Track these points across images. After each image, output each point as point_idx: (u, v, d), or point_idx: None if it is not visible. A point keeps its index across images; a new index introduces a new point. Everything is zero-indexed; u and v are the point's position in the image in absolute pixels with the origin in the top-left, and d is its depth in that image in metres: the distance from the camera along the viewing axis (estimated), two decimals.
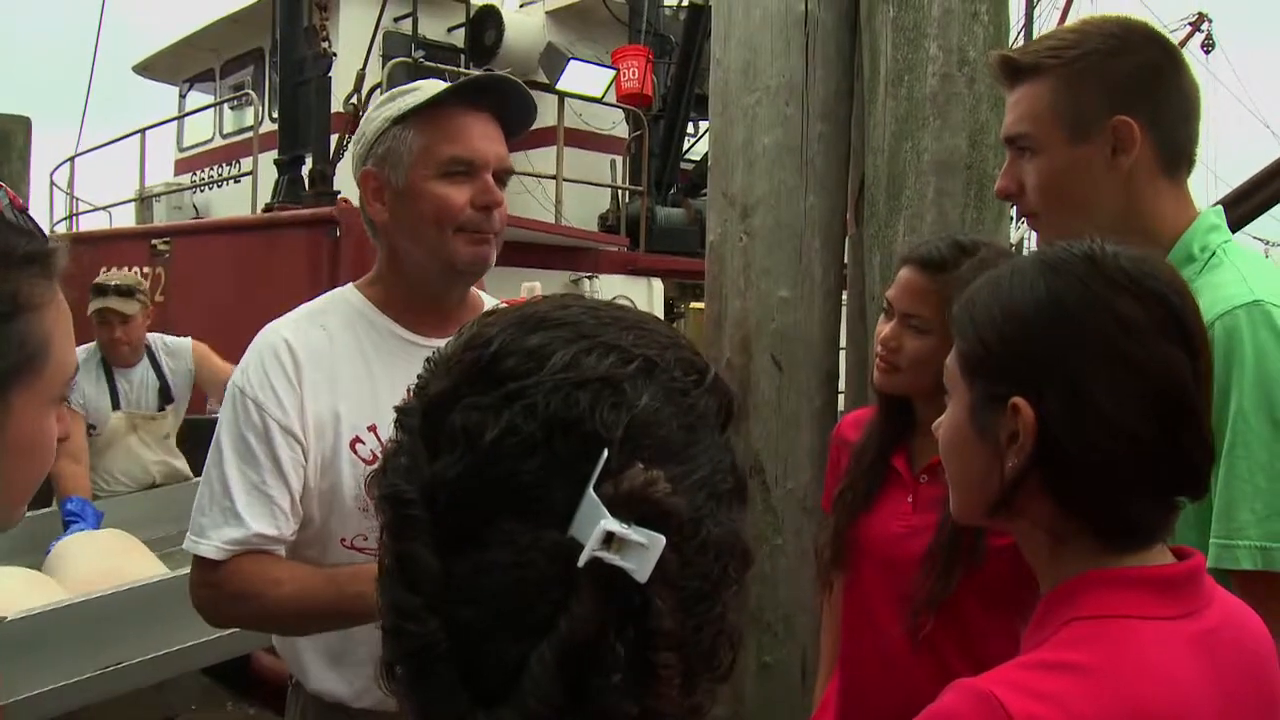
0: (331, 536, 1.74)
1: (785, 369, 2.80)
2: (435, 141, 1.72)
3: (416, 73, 8.24)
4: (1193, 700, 0.90)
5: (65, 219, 11.07)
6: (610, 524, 0.61)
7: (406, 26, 9.35)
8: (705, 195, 9.54)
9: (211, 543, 1.65)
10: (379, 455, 1.68)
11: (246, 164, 9.59)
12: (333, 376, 1.74)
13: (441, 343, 1.89)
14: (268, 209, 7.17)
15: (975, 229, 2.52)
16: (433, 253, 1.75)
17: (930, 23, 2.59)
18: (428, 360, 0.73)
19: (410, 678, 0.67)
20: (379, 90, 7.25)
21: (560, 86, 8.30)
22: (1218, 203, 2.90)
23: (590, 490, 0.62)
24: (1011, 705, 0.85)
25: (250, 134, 9.50)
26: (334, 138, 7.23)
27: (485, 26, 9.78)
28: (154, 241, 7.57)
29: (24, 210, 0.89)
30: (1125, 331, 0.95)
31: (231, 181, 10.18)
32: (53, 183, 11.12)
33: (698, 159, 10.08)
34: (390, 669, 0.68)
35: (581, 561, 0.61)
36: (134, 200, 10.85)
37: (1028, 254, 1.07)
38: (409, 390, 1.83)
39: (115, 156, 11.54)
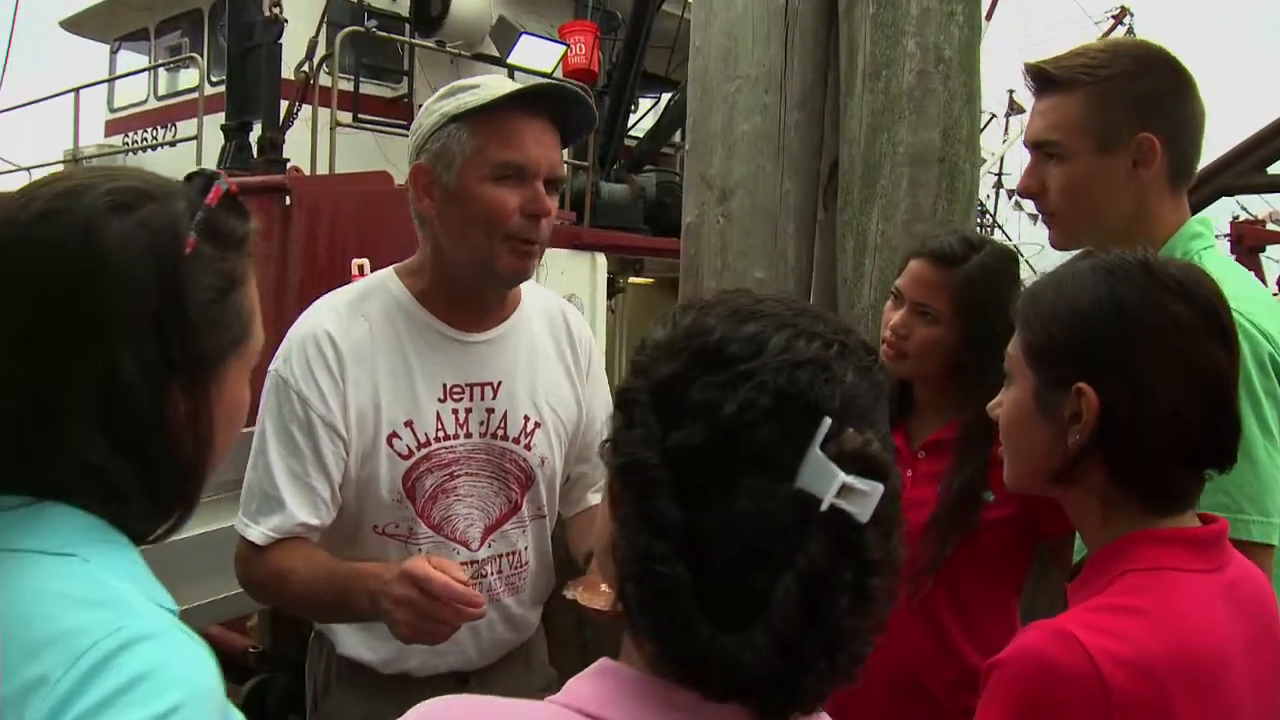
0: (364, 524, 1.82)
1: None
2: (490, 144, 1.73)
3: (371, 42, 8.24)
4: (1226, 637, 1.09)
5: None
6: (846, 478, 0.75)
7: None
8: (648, 171, 9.70)
9: (259, 529, 1.74)
10: (414, 451, 1.78)
11: (184, 127, 9.52)
12: (373, 371, 1.79)
13: (479, 338, 1.99)
14: None
15: (945, 219, 2.65)
16: (477, 256, 1.77)
17: (908, 20, 2.71)
18: (641, 347, 0.86)
19: (654, 613, 0.79)
20: (329, 59, 7.26)
21: (511, 60, 8.34)
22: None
23: (817, 450, 0.76)
24: (1087, 641, 1.01)
25: (188, 97, 9.43)
26: (284, 104, 7.20)
27: None
28: None
29: (237, 194, 0.98)
30: (1177, 329, 1.12)
31: (168, 146, 10.05)
32: None
33: (641, 136, 10.18)
34: (627, 609, 0.82)
35: (824, 508, 0.75)
36: (65, 162, 10.65)
37: (1084, 260, 1.22)
38: (445, 386, 1.93)
39: (37, 116, 11.33)
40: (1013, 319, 1.31)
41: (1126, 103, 1.58)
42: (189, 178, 0.99)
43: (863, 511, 0.76)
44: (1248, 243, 18.29)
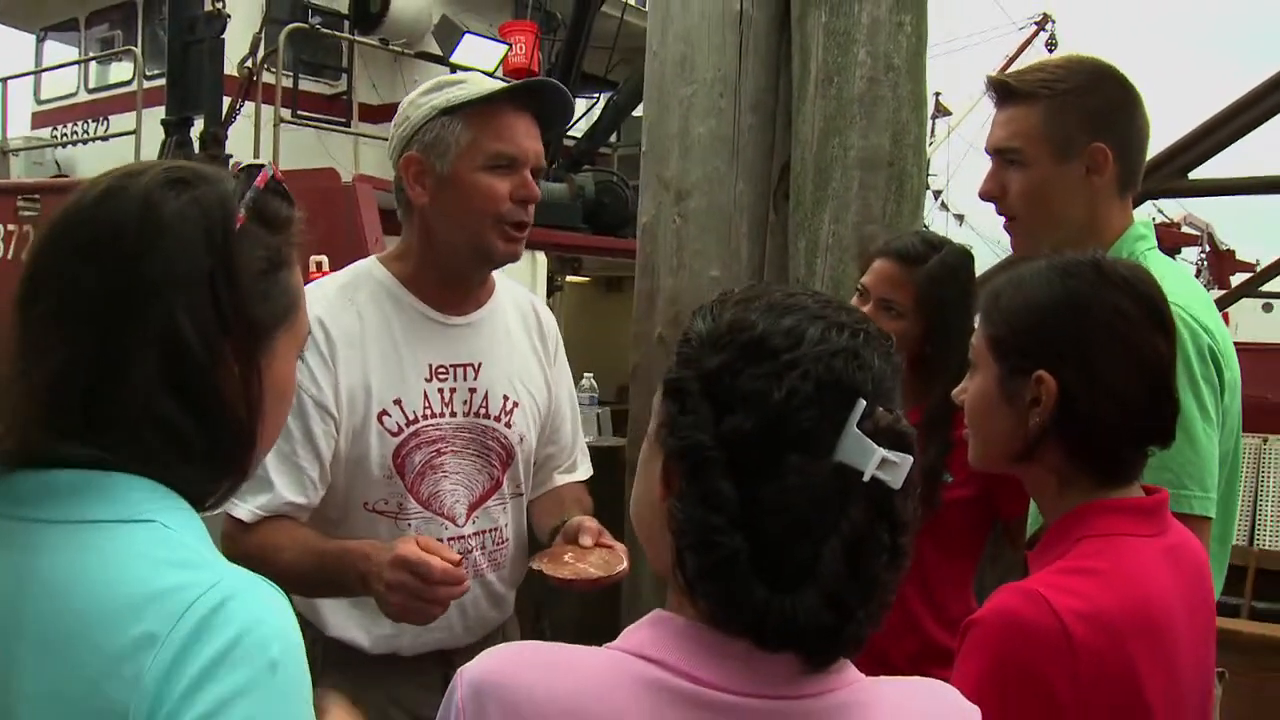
0: (355, 500, 1.89)
1: None
2: (484, 136, 1.86)
3: (313, 39, 8.20)
4: (1171, 595, 1.23)
5: None
6: (884, 452, 0.86)
7: None
8: (586, 170, 9.72)
9: (246, 506, 1.79)
10: (403, 428, 1.86)
11: (117, 121, 9.38)
12: (364, 354, 1.88)
13: (460, 321, 2.08)
14: None
15: (894, 221, 2.78)
16: (471, 239, 1.89)
17: (860, 29, 2.83)
18: (687, 341, 0.97)
19: (711, 579, 0.90)
20: (274, 55, 7.23)
21: (454, 59, 8.36)
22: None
23: (854, 428, 0.87)
24: (1053, 599, 1.15)
25: (121, 90, 9.30)
26: (226, 100, 7.16)
27: None
28: (20, 198, 7.37)
29: (281, 180, 1.06)
30: (1124, 322, 1.27)
31: (100, 140, 9.89)
32: None
33: (580, 136, 10.22)
34: (684, 574, 0.92)
35: (866, 479, 0.86)
36: None
37: (1041, 261, 1.36)
38: (430, 366, 2.01)
39: None
40: (970, 314, 1.45)
41: (1082, 115, 1.72)
42: (242, 168, 1.06)
43: (896, 480, 0.87)
44: (1165, 244, 18.70)
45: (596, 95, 11.12)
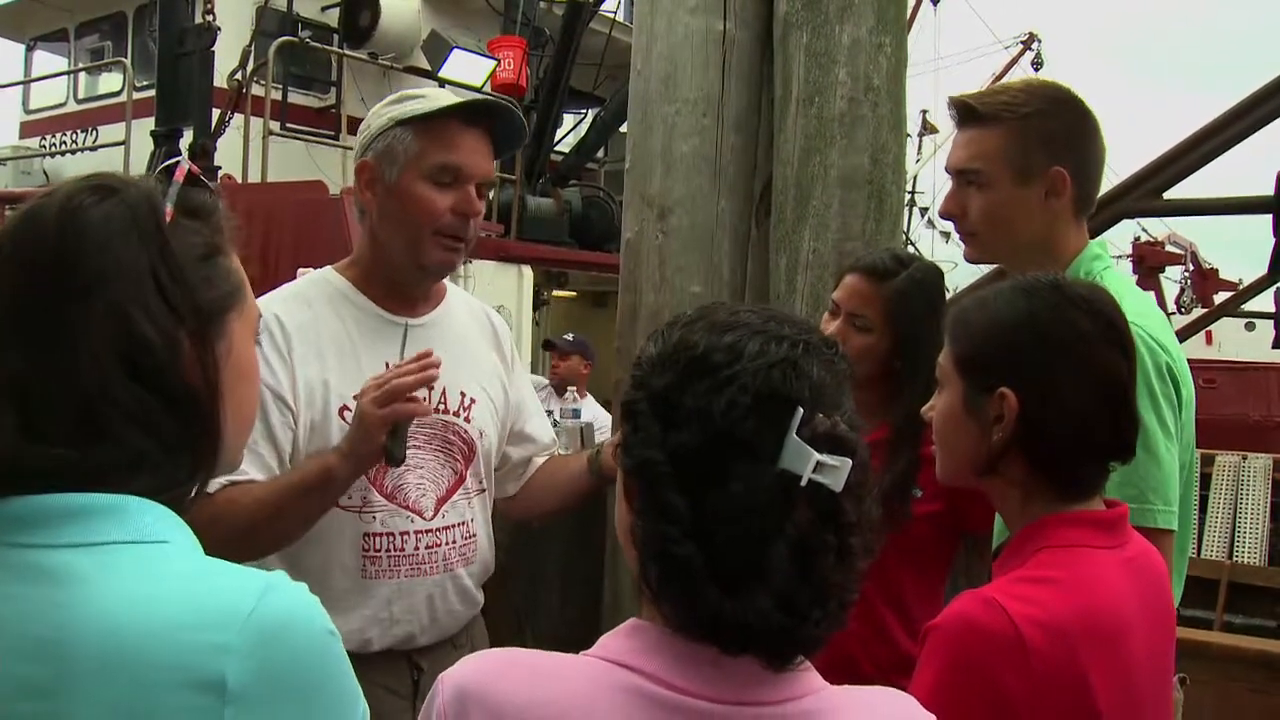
0: None
1: None
2: (430, 148, 1.93)
3: (304, 53, 8.24)
4: (1127, 605, 1.28)
5: None
6: (819, 456, 0.91)
7: (282, 3, 9.30)
8: (573, 185, 9.79)
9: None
10: None
11: (106, 132, 9.42)
12: (320, 350, 1.94)
13: (414, 321, 2.15)
14: None
15: (874, 238, 2.81)
16: (408, 248, 1.96)
17: (840, 50, 2.87)
18: (637, 363, 1.02)
19: (671, 587, 0.95)
20: (264, 68, 7.27)
21: (443, 74, 8.41)
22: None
23: (793, 435, 0.91)
24: (1009, 606, 1.19)
25: (110, 100, 9.34)
26: (215, 112, 7.20)
27: (360, 7, 9.79)
28: (10, 208, 7.39)
29: (198, 174, 1.09)
30: (1084, 340, 1.31)
31: (89, 150, 9.91)
32: None
33: (567, 151, 10.29)
34: (649, 583, 0.97)
35: (803, 483, 0.90)
36: None
37: (1004, 282, 1.41)
38: (387, 364, 2.07)
39: None
40: (938, 329, 1.49)
41: (1043, 139, 1.77)
42: (158, 171, 1.10)
43: (836, 482, 0.91)
44: (1149, 263, 18.99)
45: (584, 111, 11.21)
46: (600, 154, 10.94)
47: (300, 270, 5.51)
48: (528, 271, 8.76)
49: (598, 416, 5.80)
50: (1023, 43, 29.78)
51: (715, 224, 3.07)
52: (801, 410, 0.92)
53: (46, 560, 0.90)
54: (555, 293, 9.94)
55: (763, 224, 3.09)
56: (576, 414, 4.81)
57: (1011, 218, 1.82)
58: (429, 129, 1.95)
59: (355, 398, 1.84)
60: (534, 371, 8.88)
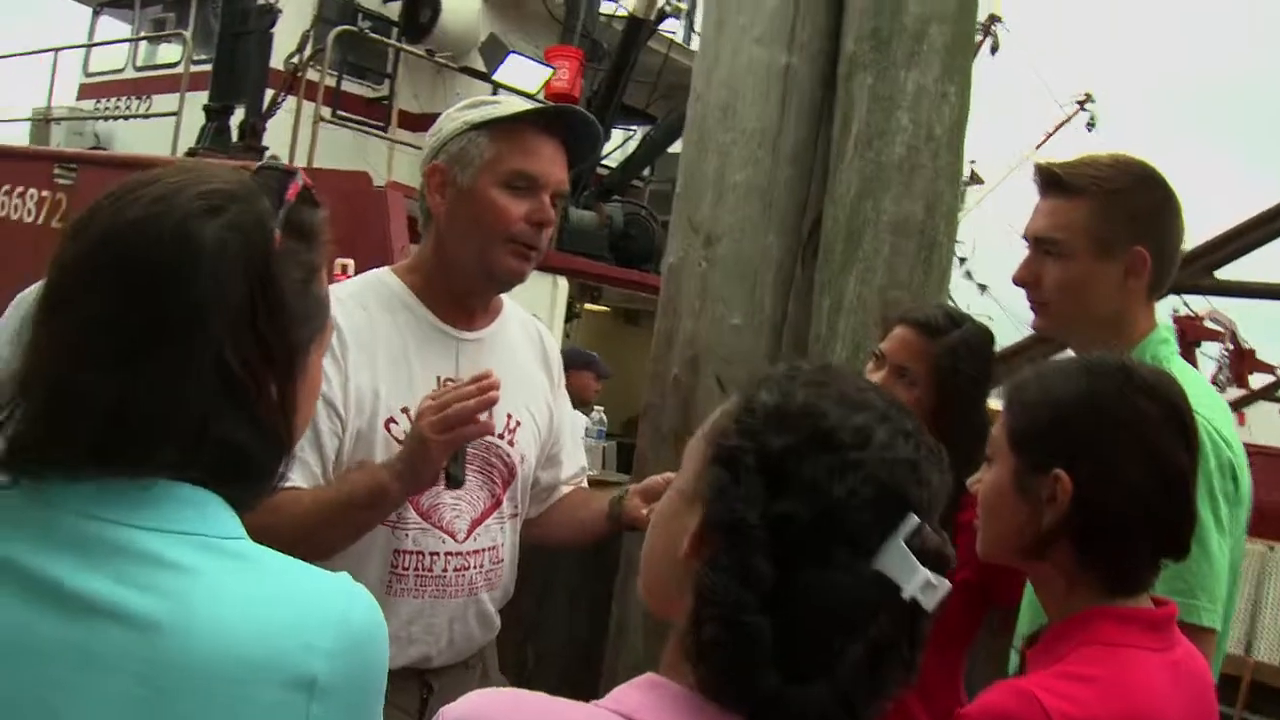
0: None
1: (727, 391, 2.99)
2: (506, 153, 1.89)
3: (361, 42, 8.27)
4: (1171, 712, 1.21)
5: None
6: (929, 575, 0.87)
7: None
8: (616, 201, 9.78)
9: None
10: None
11: (160, 101, 9.48)
12: (373, 357, 1.88)
13: (469, 335, 2.09)
14: (190, 154, 7.12)
15: (921, 289, 2.78)
16: (478, 255, 1.90)
17: (904, 96, 2.84)
18: (750, 411, 0.95)
19: (724, 653, 0.89)
20: (321, 56, 7.29)
21: (497, 78, 8.41)
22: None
23: (901, 541, 0.87)
24: (1047, 702, 1.14)
25: (167, 71, 9.39)
26: (269, 94, 7.22)
27: (422, 4, 9.80)
28: (57, 167, 7.44)
29: (310, 186, 1.06)
30: (1147, 427, 1.25)
31: (141, 118, 9.98)
32: None
33: (614, 166, 10.27)
34: (698, 640, 0.91)
35: (906, 597, 0.86)
36: (31, 119, 10.56)
37: (1067, 358, 1.35)
38: (439, 378, 2.02)
39: (6, 68, 11.18)
40: (985, 393, 1.44)
41: (1127, 216, 1.73)
42: (260, 171, 1.05)
43: (931, 603, 0.88)
44: (1188, 337, 18.82)
45: (634, 127, 11.20)
46: (646, 172, 10.91)
47: (338, 261, 5.51)
48: (563, 282, 8.72)
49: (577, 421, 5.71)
50: (1079, 102, 29.68)
51: (761, 257, 3.04)
52: (916, 519, 0.89)
53: (160, 547, 0.90)
54: (588, 306, 9.91)
55: (809, 263, 3.06)
56: (601, 434, 4.76)
57: (1086, 292, 1.78)
58: (505, 134, 1.91)
59: (411, 419, 1.79)
60: None
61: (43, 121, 10.29)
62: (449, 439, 1.69)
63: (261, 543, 0.99)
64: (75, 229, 0.97)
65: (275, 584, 0.94)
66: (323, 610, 0.93)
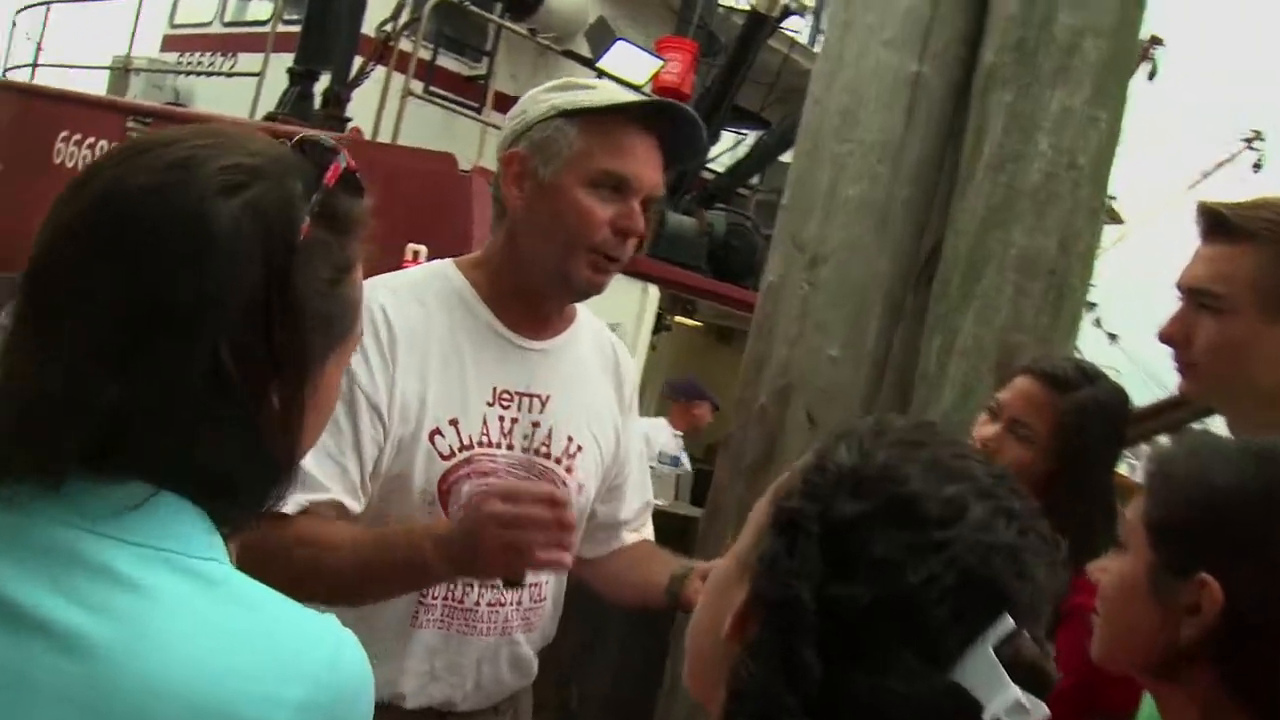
0: (383, 523, 1.79)
1: (818, 426, 2.92)
2: (598, 149, 1.78)
3: (459, 14, 8.32)
4: None
5: (21, 67, 11.00)
6: (1020, 695, 0.74)
7: None
8: (719, 209, 9.74)
9: (290, 498, 1.71)
10: (455, 451, 1.80)
11: (245, 60, 9.62)
12: (425, 360, 1.81)
13: (534, 345, 2.02)
14: (269, 118, 7.19)
15: (1047, 336, 2.67)
16: (555, 260, 1.81)
17: (1046, 116, 2.73)
18: (822, 469, 0.84)
19: None
20: (416, 26, 7.33)
21: (602, 65, 8.40)
22: None
23: (989, 649, 0.75)
24: None
25: (255, 29, 9.53)
26: (357, 61, 7.28)
27: None
28: (131, 119, 7.58)
29: (354, 170, 0.98)
30: None
31: (224, 76, 10.15)
32: (14, 24, 11.03)
33: (720, 171, 10.22)
34: None
35: (987, 718, 0.74)
36: (110, 68, 10.79)
37: (1231, 438, 1.21)
38: (494, 389, 1.93)
39: (94, 13, 11.48)
40: (1113, 462, 1.31)
41: None
42: (300, 144, 0.97)
43: None
44: None
45: (745, 131, 11.13)
46: (755, 181, 10.83)
47: (410, 246, 5.50)
48: (654, 291, 8.65)
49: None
50: (1245, 140, 28.89)
51: (869, 283, 2.96)
52: (1012, 622, 0.77)
53: (119, 560, 0.84)
54: (679, 319, 9.84)
55: (922, 294, 2.98)
56: (676, 461, 4.63)
57: (1247, 356, 1.63)
58: (598, 127, 1.80)
59: (475, 500, 1.68)
60: (639, 405, 8.79)
61: (121, 71, 10.50)
62: (509, 540, 1.58)
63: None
64: (73, 187, 0.89)
65: (246, 618, 0.86)
66: (298, 655, 0.85)
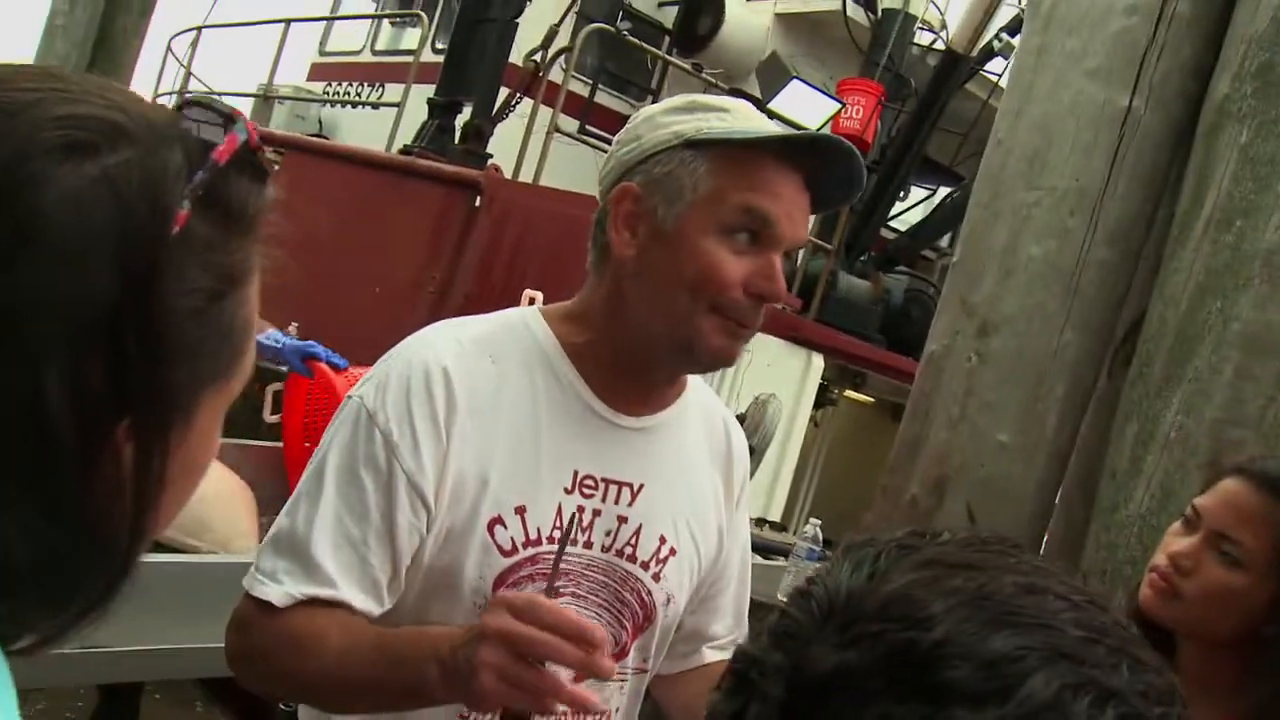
0: (423, 624, 1.61)
1: (979, 525, 2.69)
2: (732, 189, 1.58)
3: (616, 46, 8.32)
4: None
5: (171, 94, 11.46)
6: None
7: None
8: (899, 273, 9.55)
9: (281, 587, 1.53)
10: (519, 546, 1.59)
11: (391, 91, 9.87)
12: (491, 433, 1.62)
13: (631, 424, 1.82)
14: (406, 151, 7.27)
15: (1275, 430, 2.40)
16: (674, 323, 1.60)
17: None
18: (807, 595, 0.61)
19: None
20: (568, 54, 7.34)
21: (773, 106, 8.28)
22: None
23: None
24: None
25: (405, 59, 9.73)
26: (502, 93, 7.33)
27: (701, 11, 9.87)
28: (274, 149, 7.77)
29: (258, 148, 0.77)
30: None
31: (370, 106, 10.40)
32: (169, 50, 11.51)
33: (903, 229, 10.06)
34: None
35: None
36: (255, 95, 11.18)
37: None
38: (575, 474, 1.71)
39: (245, 40, 11.92)
40: None
41: None
42: (186, 105, 0.76)
43: None
44: None
45: (934, 187, 10.96)
46: (943, 243, 10.62)
47: (526, 293, 5.42)
48: (818, 361, 8.52)
49: None
50: None
51: (1051, 359, 2.76)
52: None
53: None
54: (848, 393, 9.67)
55: (1117, 374, 2.78)
56: (814, 555, 4.36)
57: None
58: (735, 162, 1.59)
59: (492, 602, 1.50)
60: (795, 490, 8.60)
61: (263, 99, 10.85)
62: (512, 675, 1.36)
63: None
64: None
65: None
66: None
